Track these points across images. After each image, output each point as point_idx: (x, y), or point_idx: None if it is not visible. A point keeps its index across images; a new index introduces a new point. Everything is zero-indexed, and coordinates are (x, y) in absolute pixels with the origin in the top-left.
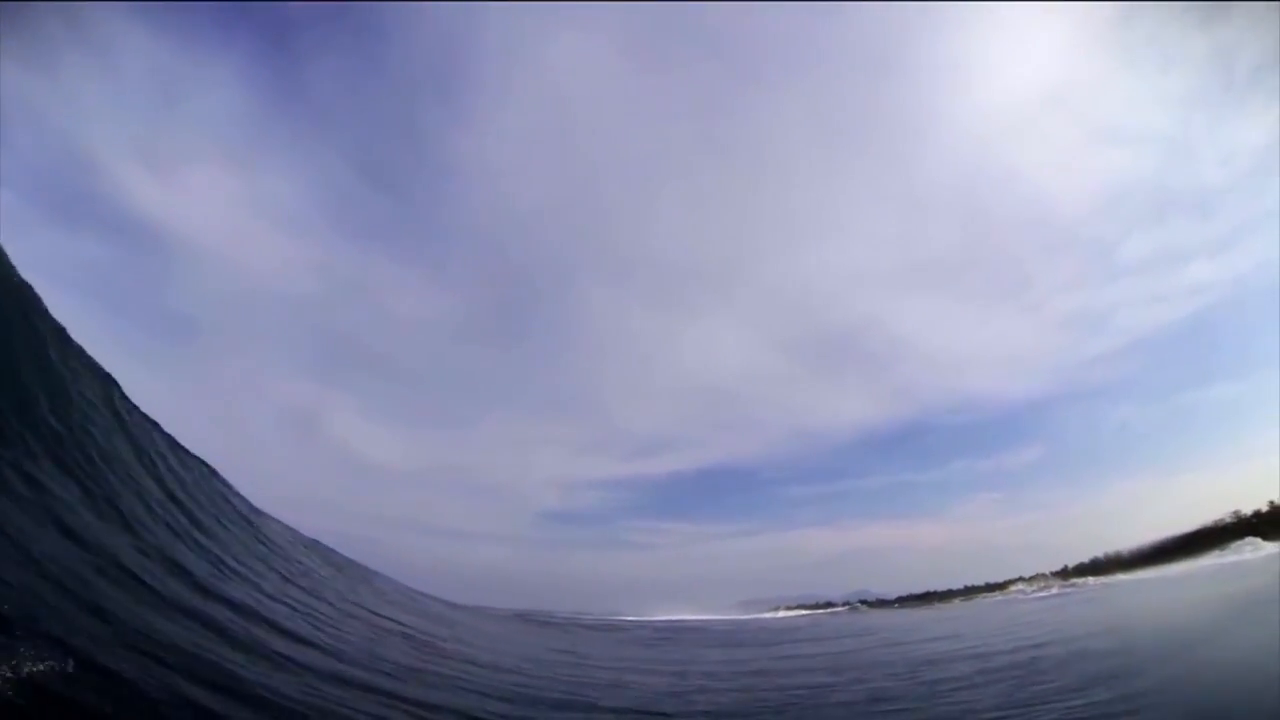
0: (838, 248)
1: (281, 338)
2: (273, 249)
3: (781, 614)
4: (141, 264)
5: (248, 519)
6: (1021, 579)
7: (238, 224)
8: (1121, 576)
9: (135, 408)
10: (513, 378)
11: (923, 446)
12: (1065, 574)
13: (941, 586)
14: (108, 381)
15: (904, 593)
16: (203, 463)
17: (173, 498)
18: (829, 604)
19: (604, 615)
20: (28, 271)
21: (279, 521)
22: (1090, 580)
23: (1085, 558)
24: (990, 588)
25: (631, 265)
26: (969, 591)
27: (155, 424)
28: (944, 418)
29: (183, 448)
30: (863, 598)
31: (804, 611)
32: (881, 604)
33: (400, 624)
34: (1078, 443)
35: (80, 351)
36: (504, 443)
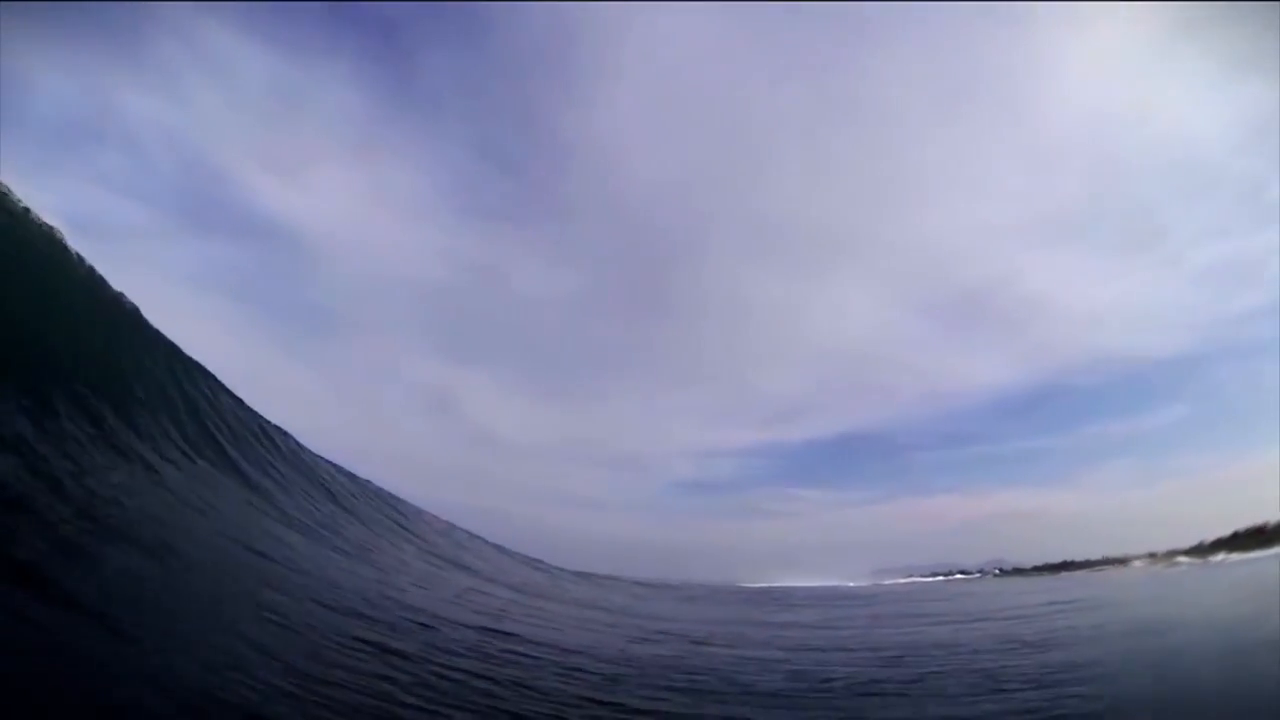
0: (963, 204)
1: (415, 323)
2: (400, 238)
3: (916, 580)
4: (278, 263)
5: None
6: (1152, 554)
7: (364, 217)
8: (1264, 553)
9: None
10: (644, 349)
11: (1055, 410)
12: (1203, 549)
13: (1077, 556)
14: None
15: (1039, 562)
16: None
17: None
18: (964, 571)
19: (745, 583)
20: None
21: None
22: (1231, 556)
23: (1227, 531)
24: (1116, 561)
25: (757, 231)
26: (1102, 563)
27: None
28: (1077, 379)
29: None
30: (1000, 566)
31: (940, 578)
32: (1017, 572)
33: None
34: (1225, 406)
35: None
36: (637, 414)
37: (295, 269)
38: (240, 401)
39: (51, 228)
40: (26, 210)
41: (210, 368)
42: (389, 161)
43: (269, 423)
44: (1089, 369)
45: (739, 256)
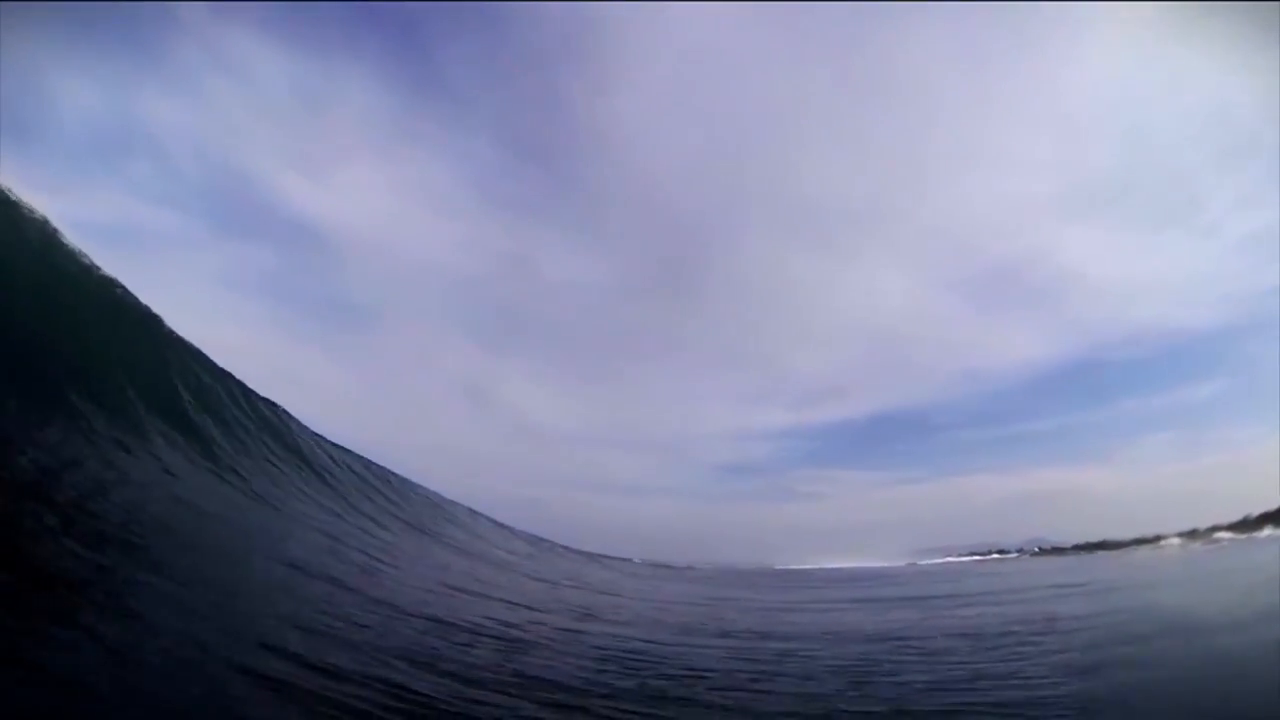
0: (993, 178)
1: (449, 315)
2: (431, 232)
3: (953, 560)
4: (309, 262)
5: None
6: (1194, 530)
7: (394, 213)
8: None
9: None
10: (678, 333)
11: (1092, 385)
12: (1247, 524)
13: (1116, 534)
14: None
15: (1078, 540)
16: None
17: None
18: (1002, 551)
19: (781, 565)
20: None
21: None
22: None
23: (1272, 505)
24: (1155, 538)
25: (786, 212)
26: (1141, 540)
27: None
28: (1114, 352)
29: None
30: (1038, 544)
31: (977, 558)
32: (1056, 551)
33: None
34: (1266, 378)
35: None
36: (672, 398)
37: (327, 267)
38: (274, 405)
39: (50, 227)
40: (45, 220)
41: (245, 367)
42: (416, 157)
43: (305, 427)
44: (1125, 343)
45: (770, 238)
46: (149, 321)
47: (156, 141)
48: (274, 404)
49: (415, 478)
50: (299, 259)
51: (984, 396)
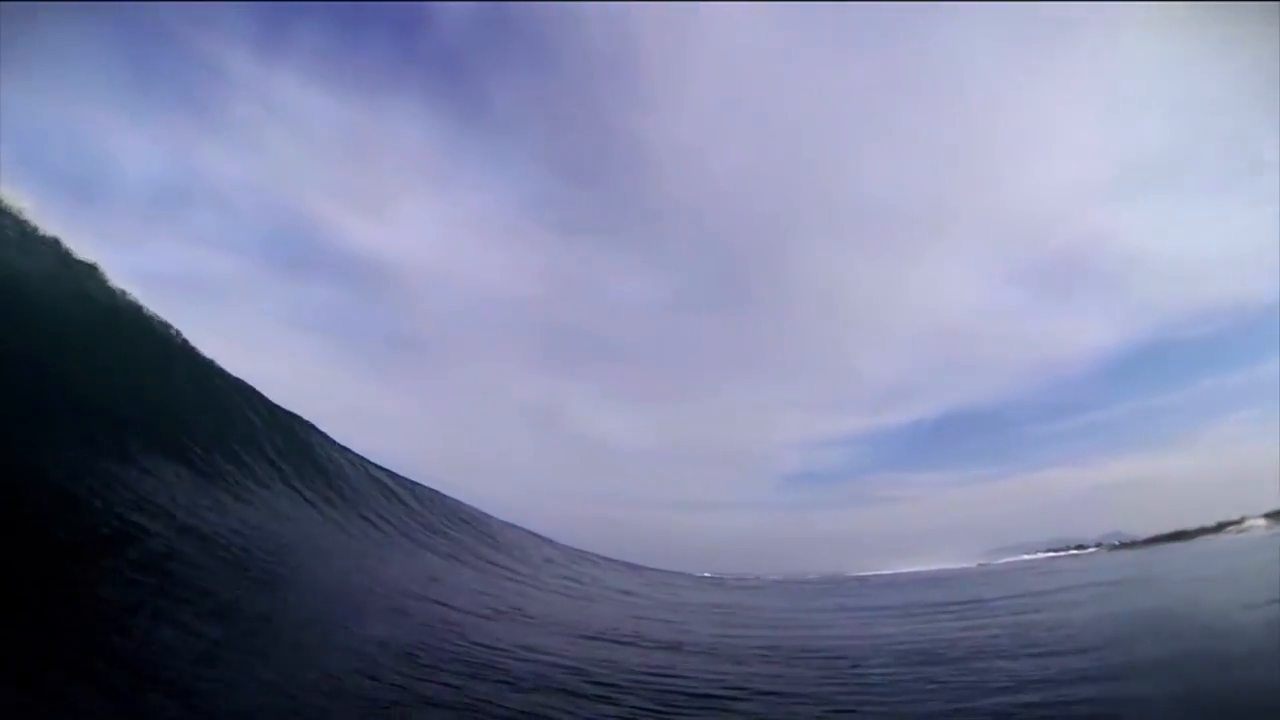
0: (1048, 164)
1: (513, 341)
2: (489, 260)
3: (1027, 559)
4: (370, 298)
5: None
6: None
7: (452, 243)
8: None
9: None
10: (742, 345)
11: (1165, 367)
12: None
13: (1196, 522)
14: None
15: (1156, 531)
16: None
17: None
18: (1079, 546)
19: (856, 572)
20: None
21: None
22: None
23: None
24: (1236, 523)
25: (843, 215)
26: (1222, 526)
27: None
28: (1185, 332)
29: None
30: (1116, 538)
31: (1052, 555)
32: (1134, 544)
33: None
34: None
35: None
36: (741, 410)
37: (387, 301)
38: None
39: (102, 275)
40: (94, 267)
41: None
42: (469, 187)
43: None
44: (1197, 320)
45: (828, 243)
46: (207, 368)
47: (215, 190)
48: (346, 448)
49: (487, 506)
50: (359, 294)
51: (1054, 388)
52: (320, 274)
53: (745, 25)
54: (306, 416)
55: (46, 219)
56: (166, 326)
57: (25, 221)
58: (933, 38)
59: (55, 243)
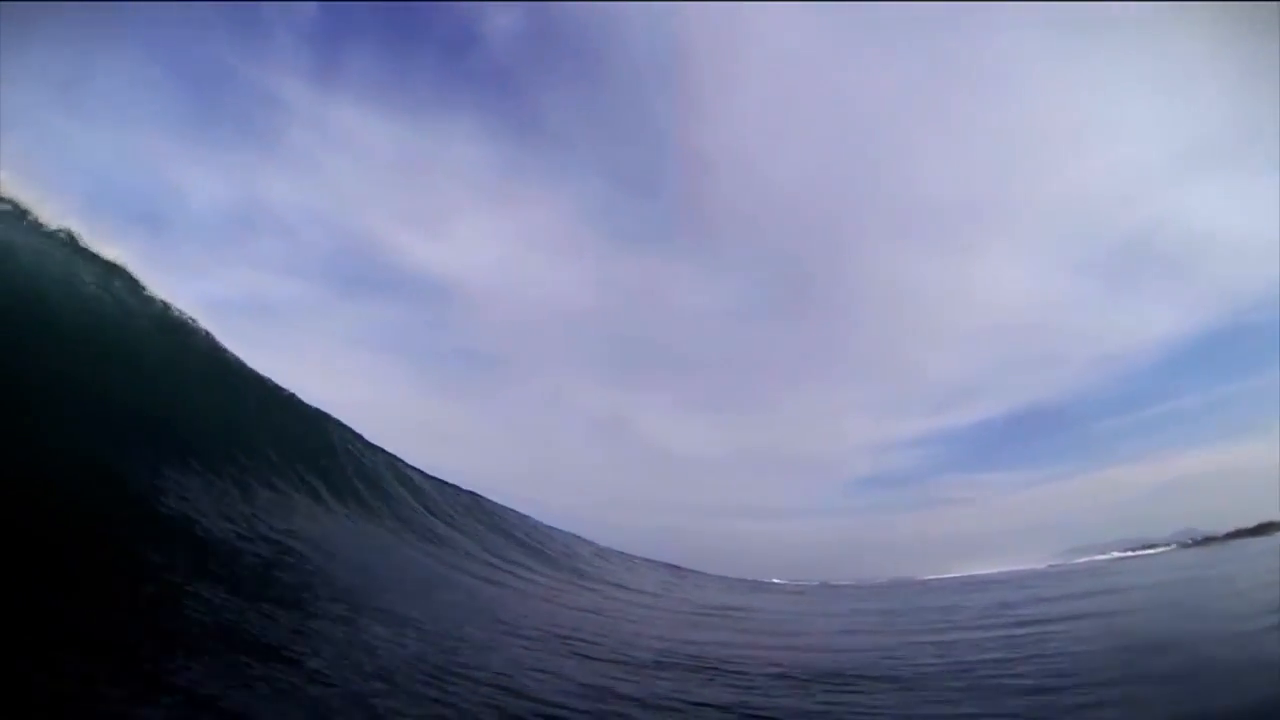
0: (1103, 149)
1: (578, 353)
2: (551, 273)
3: (1098, 559)
4: (435, 316)
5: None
6: None
7: (512, 259)
8: None
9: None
10: (807, 350)
11: (1238, 352)
12: None
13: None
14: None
15: (1236, 526)
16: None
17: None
18: (1151, 545)
19: (927, 575)
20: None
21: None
22: None
23: None
24: None
25: (902, 213)
26: None
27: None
28: (1257, 315)
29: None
30: (1190, 535)
31: (1126, 555)
32: (1212, 540)
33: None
34: None
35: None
36: (808, 415)
37: (452, 319)
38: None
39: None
40: (166, 305)
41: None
42: (528, 201)
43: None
44: (1270, 302)
45: (888, 242)
46: (287, 399)
47: (280, 218)
48: (424, 472)
49: (562, 521)
50: (424, 314)
51: (1123, 380)
52: (384, 294)
53: (792, 26)
54: (389, 448)
55: (120, 250)
56: (233, 357)
57: (97, 254)
58: (982, 28)
59: (126, 273)
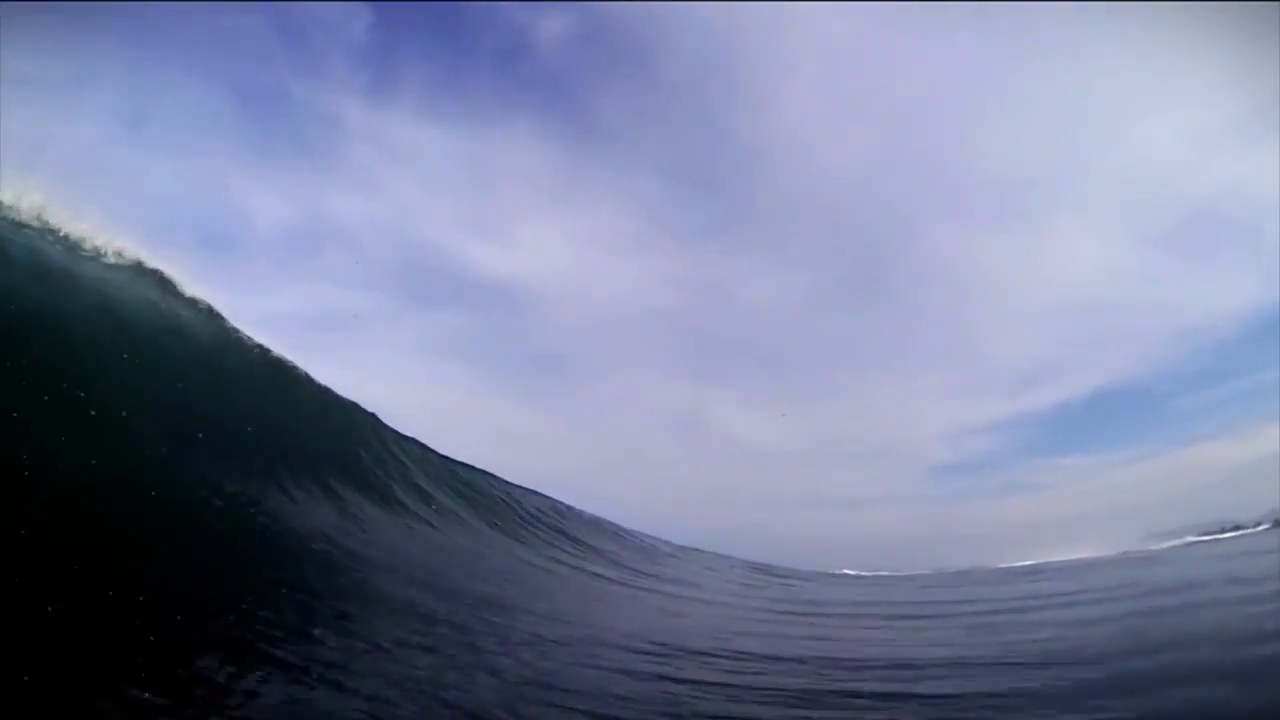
0: (1167, 113)
1: (648, 351)
2: (616, 273)
3: (1180, 543)
4: (502, 321)
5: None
6: None
7: (577, 260)
8: None
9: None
10: (878, 337)
11: None
12: None
13: None
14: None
15: None
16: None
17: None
18: (1238, 526)
19: (1005, 563)
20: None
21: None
22: None
23: None
24: None
25: (966, 193)
26: None
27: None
28: None
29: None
30: (1278, 516)
31: (1212, 536)
32: None
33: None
34: None
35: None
36: (884, 403)
37: (520, 323)
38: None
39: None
40: (237, 331)
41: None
42: (590, 202)
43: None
44: None
45: (953, 224)
46: (373, 420)
47: (343, 233)
48: (516, 484)
49: (641, 521)
50: (492, 319)
51: (1198, 355)
52: (453, 302)
53: (840, 12)
54: (457, 455)
55: (190, 275)
56: (305, 375)
57: (170, 280)
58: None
59: (194, 299)
